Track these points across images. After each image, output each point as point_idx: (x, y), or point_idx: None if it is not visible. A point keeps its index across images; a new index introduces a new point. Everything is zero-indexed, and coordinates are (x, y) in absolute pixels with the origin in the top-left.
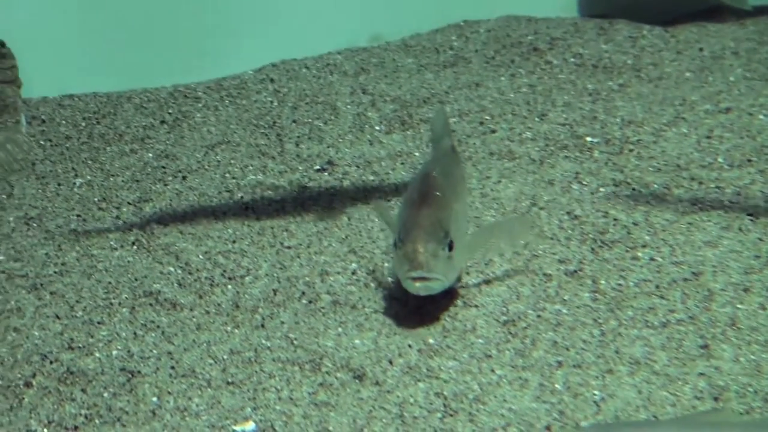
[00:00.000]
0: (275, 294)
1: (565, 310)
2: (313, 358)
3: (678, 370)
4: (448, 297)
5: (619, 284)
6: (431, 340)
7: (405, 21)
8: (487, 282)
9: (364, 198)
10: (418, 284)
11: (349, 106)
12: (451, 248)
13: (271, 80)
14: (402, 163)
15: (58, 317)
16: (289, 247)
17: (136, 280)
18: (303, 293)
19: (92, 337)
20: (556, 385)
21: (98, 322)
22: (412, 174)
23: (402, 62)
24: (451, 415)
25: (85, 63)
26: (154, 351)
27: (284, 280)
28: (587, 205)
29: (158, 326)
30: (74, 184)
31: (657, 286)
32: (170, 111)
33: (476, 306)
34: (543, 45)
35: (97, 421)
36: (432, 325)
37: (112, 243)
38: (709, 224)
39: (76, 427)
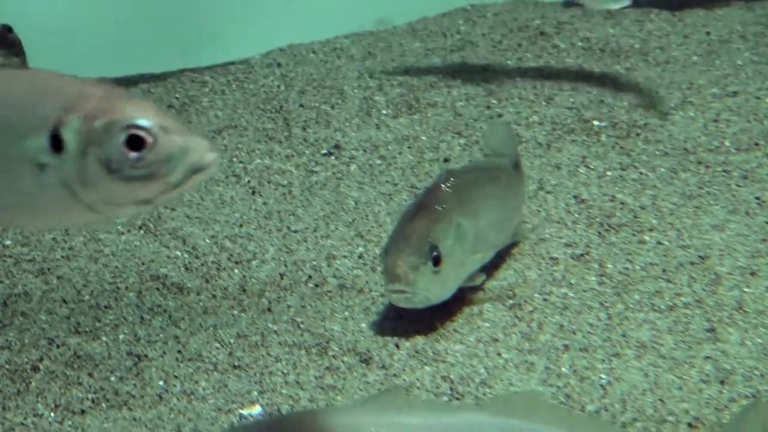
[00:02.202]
0: (282, 278)
1: (571, 294)
2: (320, 341)
3: (684, 353)
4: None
5: (626, 268)
6: (438, 324)
7: (412, 5)
8: (494, 266)
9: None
10: (395, 296)
11: (356, 90)
12: (437, 263)
13: (278, 64)
14: (409, 147)
15: (65, 301)
16: (295, 231)
17: (142, 264)
18: (310, 277)
19: (99, 321)
20: (563, 369)
21: (105, 307)
22: (418, 158)
23: (409, 46)
24: (458, 399)
25: (92, 48)
26: (161, 335)
27: (291, 264)
28: (594, 189)
29: (165, 310)
30: None
31: (664, 270)
32: (177, 95)
33: (483, 290)
34: (550, 29)
35: (104, 405)
36: (438, 309)
37: (118, 227)
38: (716, 208)
39: (83, 411)
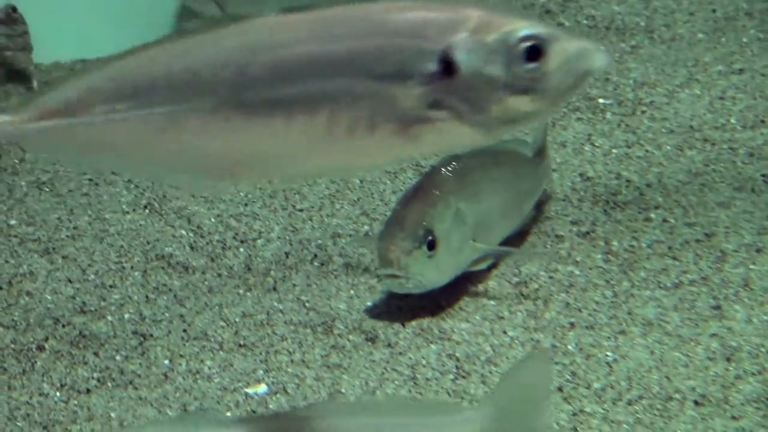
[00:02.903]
0: (287, 257)
1: (577, 272)
2: (326, 320)
3: (690, 330)
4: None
5: (632, 245)
6: (443, 302)
7: None
8: (499, 244)
9: None
10: (388, 281)
11: None
12: (431, 247)
13: None
14: None
15: (70, 281)
16: (301, 210)
17: (148, 243)
18: (315, 256)
19: (104, 300)
20: (569, 347)
21: (110, 286)
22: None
23: None
24: (464, 377)
25: (97, 27)
26: (166, 314)
27: (296, 243)
28: (599, 167)
29: (170, 289)
30: None
31: (669, 248)
32: None
33: (488, 267)
34: (555, 7)
35: (109, 384)
36: (443, 288)
37: (124, 206)
38: (721, 185)
39: (88, 390)
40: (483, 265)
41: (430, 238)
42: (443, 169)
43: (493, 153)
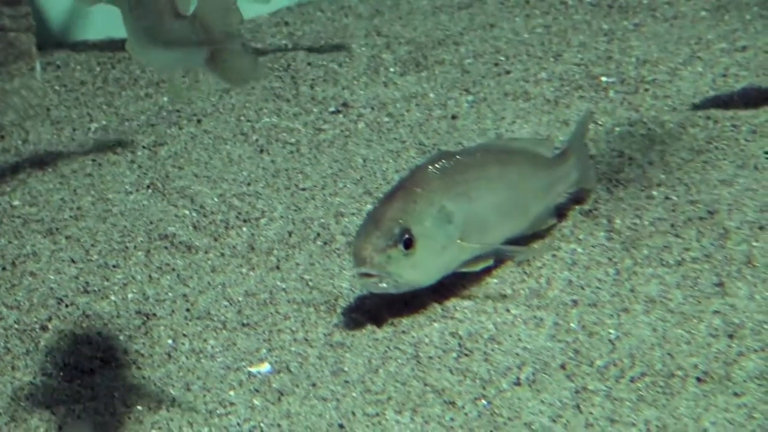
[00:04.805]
0: (290, 236)
1: (580, 250)
2: (329, 299)
3: (693, 308)
4: None
5: (635, 223)
6: (445, 280)
7: None
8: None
9: (379, 139)
10: (361, 281)
11: (363, 48)
12: (408, 246)
13: (286, 23)
14: (417, 105)
15: (73, 261)
16: (303, 189)
17: (151, 223)
18: (318, 235)
19: (108, 280)
20: (571, 324)
21: (113, 266)
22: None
23: (417, 4)
24: (467, 355)
25: (100, 7)
26: (170, 293)
27: (299, 222)
28: (602, 145)
29: (173, 269)
30: (89, 129)
31: (672, 225)
32: None
33: (483, 270)
34: None
35: (113, 364)
36: None
37: (126, 187)
38: (724, 163)
39: (92, 371)
40: (477, 267)
41: (406, 236)
42: (429, 167)
43: (498, 151)
